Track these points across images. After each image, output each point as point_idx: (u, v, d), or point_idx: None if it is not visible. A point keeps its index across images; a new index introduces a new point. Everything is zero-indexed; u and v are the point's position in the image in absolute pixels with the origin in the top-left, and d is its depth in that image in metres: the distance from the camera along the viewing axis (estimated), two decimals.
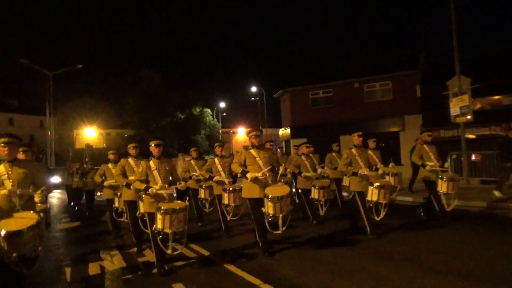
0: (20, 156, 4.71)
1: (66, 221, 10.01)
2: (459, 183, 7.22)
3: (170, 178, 5.19)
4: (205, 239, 6.60)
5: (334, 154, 9.47)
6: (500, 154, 9.41)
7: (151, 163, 4.98)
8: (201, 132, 39.70)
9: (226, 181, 6.83)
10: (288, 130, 21.91)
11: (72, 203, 13.27)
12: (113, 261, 5.46)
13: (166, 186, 4.91)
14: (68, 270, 5.13)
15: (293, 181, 8.82)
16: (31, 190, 4.02)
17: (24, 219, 3.68)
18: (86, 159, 22.29)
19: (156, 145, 5.04)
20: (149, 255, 5.60)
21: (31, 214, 3.82)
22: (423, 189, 10.79)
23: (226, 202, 6.44)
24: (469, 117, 12.21)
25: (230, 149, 44.28)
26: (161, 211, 4.50)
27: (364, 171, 6.12)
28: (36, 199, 4.04)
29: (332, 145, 9.80)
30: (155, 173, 4.93)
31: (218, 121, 44.12)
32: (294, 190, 9.09)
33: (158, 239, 4.64)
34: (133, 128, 39.13)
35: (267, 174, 5.30)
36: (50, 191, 5.11)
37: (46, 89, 28.40)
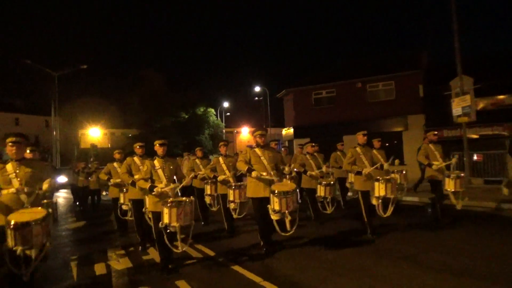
0: (27, 155, 4.80)
1: (72, 220, 10.14)
2: (466, 181, 7.14)
3: (175, 178, 5.24)
4: (208, 238, 6.69)
5: (339, 153, 9.45)
6: (510, 153, 9.38)
7: (156, 162, 5.03)
8: (205, 132, 39.79)
9: (231, 180, 6.85)
10: (291, 130, 21.97)
11: (77, 203, 13.42)
12: (118, 260, 5.57)
13: (171, 184, 4.94)
14: (74, 268, 5.25)
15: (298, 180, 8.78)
16: (37, 190, 4.09)
17: (32, 213, 3.77)
18: (91, 159, 22.48)
19: (160, 145, 5.10)
20: (153, 254, 5.72)
21: (39, 209, 3.90)
22: (426, 189, 10.88)
23: (231, 198, 6.45)
24: (471, 117, 12.23)
25: (234, 148, 44.39)
26: (168, 205, 4.52)
27: (368, 169, 6.13)
28: (44, 186, 4.06)
29: (337, 145, 9.76)
30: (160, 172, 4.98)
31: (222, 121, 44.17)
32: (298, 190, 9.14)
33: (165, 236, 4.64)
34: (137, 128, 39.33)
35: (272, 173, 5.33)
36: (55, 188, 5.14)
37: (51, 90, 28.65)
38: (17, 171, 4.07)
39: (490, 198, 9.16)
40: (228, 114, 49.71)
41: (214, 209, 7.71)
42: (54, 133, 29.33)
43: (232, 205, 6.54)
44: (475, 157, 12.08)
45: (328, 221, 7.53)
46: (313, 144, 8.16)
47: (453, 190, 6.70)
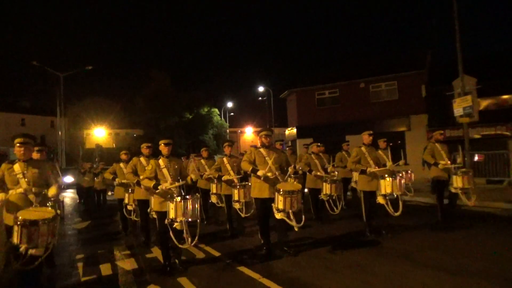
0: (35, 155, 4.83)
1: (77, 220, 10.26)
2: (473, 178, 7.03)
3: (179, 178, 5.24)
4: (210, 238, 6.77)
5: (344, 153, 9.38)
6: None
7: (161, 161, 5.03)
8: (209, 132, 39.99)
9: (235, 180, 6.80)
10: (294, 130, 22.07)
11: (82, 201, 13.57)
12: (123, 258, 5.70)
13: (176, 184, 4.94)
14: (80, 267, 5.37)
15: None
16: (45, 191, 4.16)
17: (41, 212, 3.77)
18: (96, 159, 22.69)
19: (165, 144, 5.09)
20: (156, 252, 5.84)
21: (48, 209, 3.91)
22: (425, 189, 10.93)
23: (236, 198, 6.45)
24: (474, 117, 12.24)
25: (238, 148, 44.46)
26: (174, 200, 4.52)
27: (373, 168, 6.11)
28: (51, 191, 4.13)
29: (342, 144, 9.73)
30: (165, 171, 4.98)
31: (226, 121, 44.32)
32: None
33: (170, 233, 4.61)
34: (142, 128, 39.61)
35: (277, 173, 5.32)
36: (61, 188, 5.12)
37: (57, 90, 28.97)
38: (25, 171, 4.09)
39: (492, 198, 9.21)
40: (232, 114, 49.87)
41: (222, 205, 7.54)
42: (60, 133, 29.66)
43: (237, 205, 6.54)
44: (476, 158, 12.11)
45: (328, 221, 7.61)
46: (319, 144, 8.15)
47: (461, 187, 6.63)
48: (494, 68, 16.62)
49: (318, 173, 7.59)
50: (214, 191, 7.58)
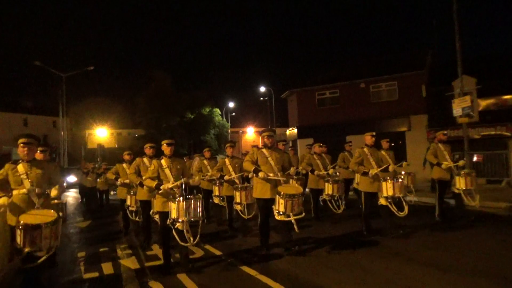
0: (38, 156, 4.82)
1: (80, 219, 10.36)
2: (476, 178, 7.04)
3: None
4: (211, 237, 6.84)
5: (347, 153, 9.35)
6: None
7: (163, 161, 5.04)
8: (210, 132, 40.05)
9: (237, 180, 6.81)
10: (295, 130, 22.14)
11: (84, 200, 13.68)
12: (124, 256, 5.80)
13: (177, 182, 4.95)
14: (82, 264, 5.46)
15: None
16: (47, 191, 4.19)
17: (43, 216, 3.77)
18: (98, 159, 22.83)
19: (168, 144, 5.10)
20: (157, 250, 5.94)
21: (50, 212, 3.92)
22: (426, 189, 10.98)
23: (238, 200, 6.47)
24: (474, 117, 12.28)
25: (239, 148, 44.54)
26: (176, 200, 4.55)
27: (375, 170, 6.11)
28: (53, 192, 4.16)
29: (345, 145, 9.73)
30: (167, 171, 4.99)
31: (227, 121, 44.38)
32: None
33: (173, 231, 4.63)
34: (144, 128, 39.70)
35: (279, 175, 5.33)
36: (64, 190, 5.10)
37: (59, 91, 29.14)
38: (28, 172, 4.11)
39: (493, 197, 9.25)
40: (233, 114, 49.93)
41: (223, 203, 7.54)
42: (62, 133, 29.84)
43: (238, 207, 6.55)
44: (475, 158, 12.16)
45: (329, 221, 7.67)
46: (321, 144, 8.16)
47: (464, 188, 6.63)
48: (494, 69, 16.65)
49: (321, 173, 7.59)
50: (217, 193, 7.55)
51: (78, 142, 44.50)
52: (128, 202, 7.14)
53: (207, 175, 7.88)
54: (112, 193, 12.58)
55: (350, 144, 9.67)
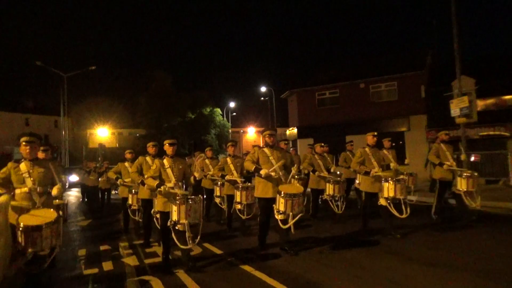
0: (40, 155, 4.87)
1: (81, 218, 10.42)
2: (479, 180, 7.00)
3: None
4: (210, 236, 6.88)
5: (348, 153, 9.29)
6: None
7: (165, 161, 5.05)
8: (211, 132, 40.12)
9: (239, 180, 6.83)
10: (295, 130, 22.22)
11: (86, 200, 13.75)
12: (123, 254, 5.88)
13: (180, 184, 4.98)
14: (82, 262, 5.54)
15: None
16: (49, 189, 4.21)
17: (43, 216, 3.78)
18: (99, 158, 22.91)
19: (170, 144, 5.10)
20: (156, 248, 6.03)
21: (50, 211, 3.93)
22: (425, 189, 11.02)
23: (238, 199, 6.46)
24: (472, 117, 12.33)
25: (240, 148, 44.61)
26: (177, 202, 4.54)
27: (377, 170, 6.10)
28: (54, 191, 4.17)
29: (346, 145, 9.69)
30: (169, 171, 4.99)
31: (228, 121, 44.45)
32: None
33: (172, 234, 4.67)
34: (145, 128, 39.80)
35: (280, 173, 5.32)
36: (66, 189, 5.10)
37: (60, 90, 29.27)
38: (30, 170, 4.14)
39: (493, 197, 9.30)
40: (234, 114, 50.01)
41: (224, 206, 7.60)
42: (63, 133, 29.96)
43: (238, 206, 6.57)
44: (472, 158, 12.21)
45: (327, 220, 7.72)
46: (323, 144, 8.16)
47: (465, 190, 6.60)
48: (494, 69, 16.71)
49: (322, 174, 7.62)
50: (218, 193, 7.57)
51: (79, 142, 44.65)
52: (130, 201, 7.16)
53: (208, 174, 7.89)
54: (113, 192, 12.65)
55: (352, 143, 9.64)
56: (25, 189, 4.07)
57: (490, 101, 15.88)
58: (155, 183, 4.92)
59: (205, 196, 8.35)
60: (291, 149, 10.74)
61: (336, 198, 7.38)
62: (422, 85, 17.77)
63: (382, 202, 6.09)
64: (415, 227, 6.66)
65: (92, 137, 47.87)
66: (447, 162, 6.92)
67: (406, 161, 6.91)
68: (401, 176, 6.29)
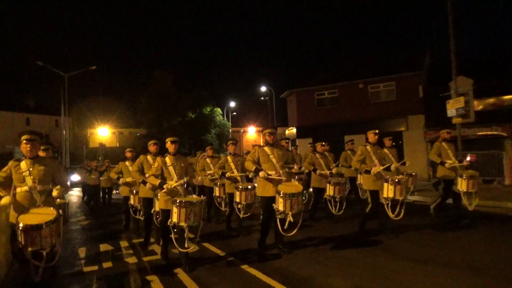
0: (41, 153, 4.91)
1: (82, 218, 10.50)
2: (479, 181, 7.00)
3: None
4: (209, 235, 6.97)
5: (349, 152, 9.31)
6: None
7: (167, 159, 5.07)
8: (212, 132, 40.23)
9: (239, 178, 6.83)
10: (294, 130, 22.31)
11: (86, 198, 13.85)
12: (123, 252, 5.98)
13: (181, 181, 4.97)
14: (82, 261, 5.60)
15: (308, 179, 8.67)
16: (50, 187, 4.22)
17: (43, 215, 3.76)
18: (100, 158, 23.03)
19: (172, 142, 5.12)
20: (155, 247, 6.10)
21: (50, 210, 3.90)
22: (427, 189, 11.12)
23: (238, 200, 6.47)
24: (470, 118, 12.42)
25: (241, 148, 44.71)
26: (177, 204, 4.53)
27: (377, 169, 6.08)
28: (54, 193, 4.17)
29: (346, 144, 9.68)
30: (171, 169, 5.01)
31: (228, 121, 44.55)
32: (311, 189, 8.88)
33: (172, 235, 4.71)
34: (145, 127, 39.95)
35: (281, 172, 5.32)
36: (67, 189, 5.07)
37: (61, 90, 29.40)
38: (31, 169, 4.10)
39: (492, 197, 9.38)
40: (234, 113, 50.11)
41: (223, 208, 7.66)
42: (64, 132, 30.10)
43: (238, 206, 6.59)
44: (468, 158, 12.31)
45: (326, 220, 7.76)
46: (323, 143, 8.16)
47: (465, 190, 6.60)
48: (491, 69, 16.78)
49: (323, 172, 7.63)
50: (217, 194, 7.59)
51: (80, 141, 44.89)
52: (131, 201, 7.20)
53: (209, 172, 7.93)
54: (115, 191, 12.76)
55: (352, 142, 9.61)
56: (26, 188, 4.06)
57: (487, 101, 15.94)
58: (157, 181, 4.94)
59: (204, 194, 8.31)
60: (292, 148, 10.75)
61: (336, 199, 7.40)
62: (420, 85, 17.84)
63: (382, 200, 6.11)
64: (414, 226, 6.71)
65: (93, 137, 48.08)
66: (448, 160, 6.93)
67: (407, 163, 6.90)
68: (401, 177, 6.31)
